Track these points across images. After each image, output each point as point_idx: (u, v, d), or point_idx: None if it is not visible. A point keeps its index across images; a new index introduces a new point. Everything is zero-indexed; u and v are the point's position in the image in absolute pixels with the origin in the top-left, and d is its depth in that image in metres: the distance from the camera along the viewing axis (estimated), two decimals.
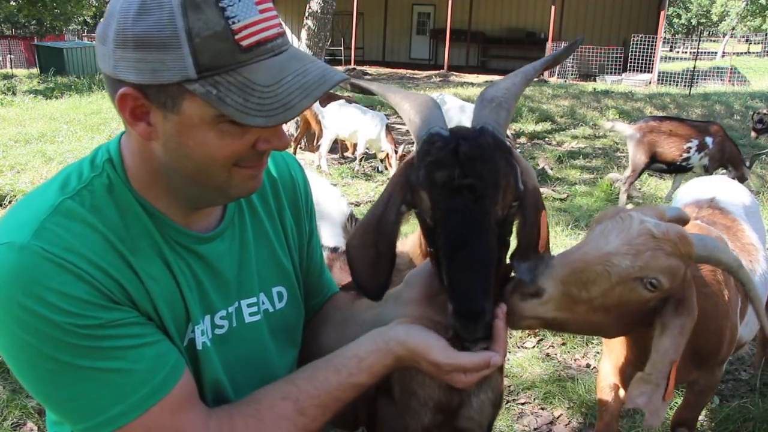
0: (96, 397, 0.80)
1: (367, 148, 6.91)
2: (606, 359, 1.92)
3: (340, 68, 18.80)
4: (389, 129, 6.58)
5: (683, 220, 1.25)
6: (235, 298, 1.01)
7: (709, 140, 5.68)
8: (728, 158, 5.73)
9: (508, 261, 1.03)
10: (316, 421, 0.92)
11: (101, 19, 0.81)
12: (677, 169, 5.79)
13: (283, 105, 0.79)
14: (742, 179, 5.69)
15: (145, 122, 0.82)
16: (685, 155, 5.64)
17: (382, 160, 6.81)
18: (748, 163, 5.87)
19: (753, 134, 7.40)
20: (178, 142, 0.83)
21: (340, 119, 6.63)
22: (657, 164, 5.81)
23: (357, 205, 5.57)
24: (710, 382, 1.89)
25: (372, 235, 1.01)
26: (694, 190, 2.51)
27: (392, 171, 6.37)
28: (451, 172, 0.89)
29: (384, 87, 1.17)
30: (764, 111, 7.38)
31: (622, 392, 1.92)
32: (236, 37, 0.77)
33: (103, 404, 0.81)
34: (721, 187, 2.45)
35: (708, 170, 5.68)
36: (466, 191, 0.89)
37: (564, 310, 1.08)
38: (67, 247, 0.80)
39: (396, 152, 6.38)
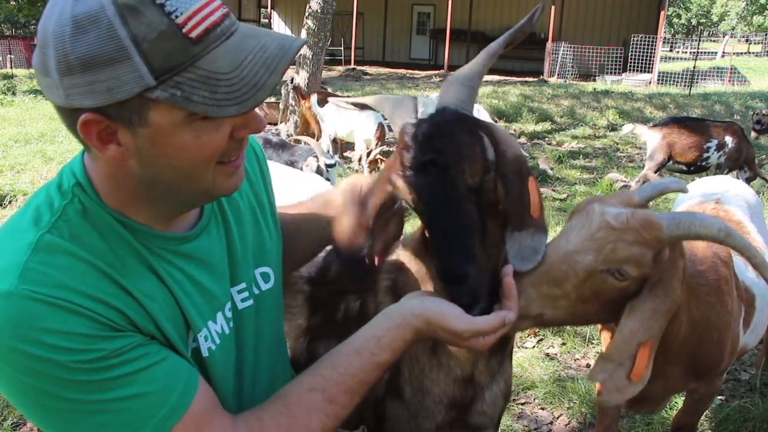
0: (114, 427, 0.78)
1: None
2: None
3: (340, 68, 18.89)
4: (383, 128, 6.52)
5: (652, 198, 1.23)
6: (230, 286, 1.00)
7: (728, 140, 5.85)
8: (745, 159, 5.84)
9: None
10: (346, 407, 0.92)
11: (35, 51, 0.75)
12: (696, 170, 5.87)
13: (252, 87, 0.75)
14: (752, 179, 5.79)
15: (115, 143, 0.77)
16: (705, 155, 5.76)
17: (358, 161, 6.72)
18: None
19: (753, 134, 7.43)
20: (154, 154, 0.78)
21: (338, 119, 6.64)
22: (677, 165, 5.90)
23: None
24: (710, 390, 1.88)
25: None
26: (699, 189, 2.48)
27: (365, 172, 6.35)
28: (415, 152, 0.95)
29: (368, 98, 1.22)
30: (764, 111, 7.42)
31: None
32: (183, 30, 0.72)
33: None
34: (727, 187, 2.44)
35: (721, 169, 5.76)
36: (430, 167, 0.94)
37: (546, 308, 1.10)
38: (55, 284, 0.75)
39: (368, 155, 6.29)
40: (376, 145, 6.27)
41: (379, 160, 6.30)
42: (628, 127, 6.74)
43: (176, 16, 0.72)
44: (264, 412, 0.90)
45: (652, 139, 5.94)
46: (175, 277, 0.88)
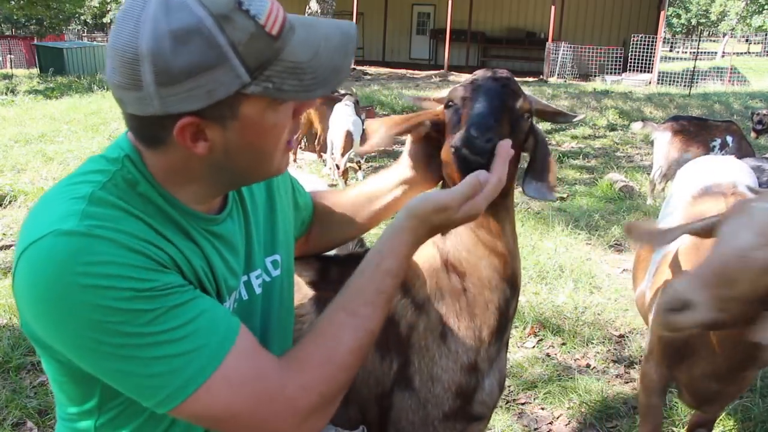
0: (168, 360, 0.81)
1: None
2: (659, 363, 1.85)
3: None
4: (350, 137, 6.28)
5: None
6: (246, 271, 1.04)
7: (729, 139, 6.02)
8: (744, 156, 5.89)
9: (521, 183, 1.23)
10: (371, 320, 0.95)
11: (112, 70, 0.80)
12: None
13: (332, 70, 0.86)
14: None
15: (203, 140, 0.84)
16: (710, 153, 5.84)
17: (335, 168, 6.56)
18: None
19: (753, 135, 7.46)
20: (241, 143, 0.86)
21: (335, 120, 6.59)
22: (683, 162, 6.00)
23: None
24: (748, 384, 1.87)
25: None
26: (703, 171, 2.36)
27: (334, 175, 6.26)
28: (487, 75, 1.18)
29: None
30: (764, 112, 7.45)
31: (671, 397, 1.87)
32: (266, 30, 0.80)
33: (177, 365, 0.81)
34: (732, 168, 2.35)
35: None
36: (497, 79, 1.16)
37: (719, 311, 1.13)
38: (112, 227, 0.81)
39: (339, 166, 6.20)
40: (342, 152, 6.18)
41: (351, 169, 6.26)
42: (637, 125, 6.79)
43: (259, 19, 0.79)
44: (301, 343, 0.94)
45: (662, 137, 6.03)
46: (210, 249, 0.94)
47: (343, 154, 6.13)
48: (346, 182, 6.26)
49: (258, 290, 1.06)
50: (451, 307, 1.23)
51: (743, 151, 5.96)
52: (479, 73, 1.20)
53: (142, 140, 0.88)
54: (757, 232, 1.14)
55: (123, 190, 0.86)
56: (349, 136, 6.22)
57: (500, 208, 1.20)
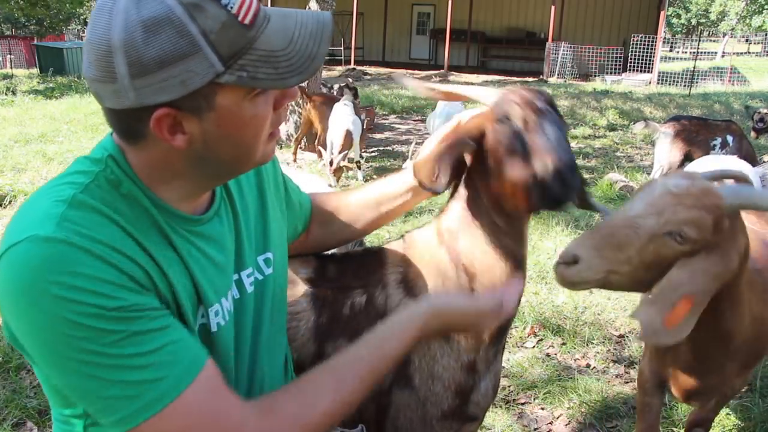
0: (126, 385, 0.80)
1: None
2: (651, 359, 1.89)
3: (340, 68, 18.90)
4: (350, 136, 6.26)
5: (714, 180, 1.35)
6: (237, 269, 1.04)
7: (730, 138, 6.06)
8: (744, 156, 5.92)
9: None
10: (355, 393, 0.95)
11: (88, 65, 0.80)
12: None
13: (307, 58, 0.85)
14: None
15: (181, 133, 0.83)
16: (711, 153, 5.87)
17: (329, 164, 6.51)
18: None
19: (753, 134, 7.47)
20: (219, 135, 0.85)
21: (334, 119, 6.59)
22: (684, 161, 6.03)
23: None
24: (743, 385, 1.88)
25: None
26: (703, 170, 2.42)
27: (328, 173, 6.24)
28: (543, 97, 1.14)
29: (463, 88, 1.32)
30: (764, 110, 7.47)
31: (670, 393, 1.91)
32: (239, 19, 0.80)
33: (133, 393, 0.80)
34: (732, 167, 2.40)
35: None
36: (554, 107, 1.14)
37: (608, 272, 1.21)
38: (89, 236, 0.80)
39: (332, 163, 6.17)
40: (340, 150, 6.15)
41: (345, 168, 6.25)
42: (639, 125, 6.81)
43: (231, 7, 0.79)
44: (279, 391, 0.94)
45: (665, 136, 6.04)
46: (192, 254, 0.93)
47: (341, 152, 6.12)
48: (338, 180, 6.23)
49: (249, 288, 1.06)
50: None
51: (744, 150, 5.99)
52: (531, 93, 1.16)
53: (122, 136, 0.87)
54: (649, 202, 1.23)
55: (106, 192, 0.86)
56: (348, 135, 6.20)
57: (527, 219, 1.24)
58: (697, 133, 6.06)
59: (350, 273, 1.32)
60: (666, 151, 6.10)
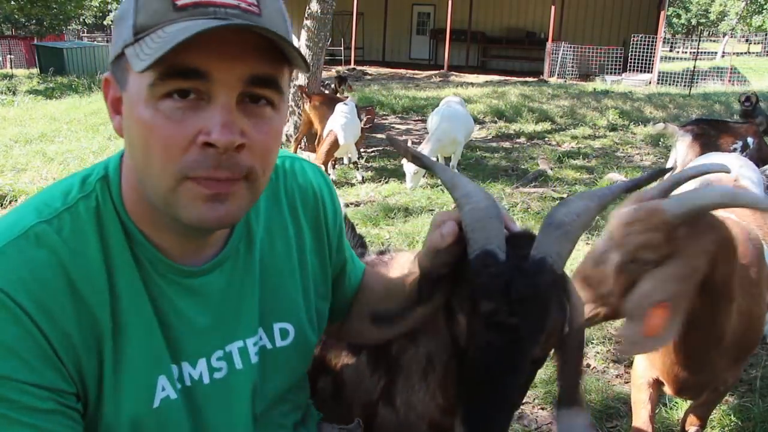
0: None
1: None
2: (643, 357, 1.91)
3: (340, 68, 18.87)
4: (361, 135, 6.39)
5: (682, 183, 1.41)
6: (237, 336, 0.91)
7: (750, 141, 5.97)
8: (764, 157, 5.90)
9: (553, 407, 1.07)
10: None
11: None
12: None
13: (167, 42, 0.68)
14: None
15: (119, 114, 0.77)
16: None
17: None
18: None
19: (744, 119, 7.58)
20: (127, 125, 0.75)
21: (331, 118, 6.59)
22: None
23: (357, 205, 5.57)
24: (735, 380, 1.90)
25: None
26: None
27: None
28: (499, 306, 0.83)
29: (449, 173, 1.01)
30: (749, 93, 7.61)
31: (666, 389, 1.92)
32: None
33: None
34: (735, 164, 2.39)
35: None
36: (508, 330, 0.83)
37: (599, 306, 1.26)
38: (17, 279, 0.72)
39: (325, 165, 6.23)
40: (327, 150, 6.22)
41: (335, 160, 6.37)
42: (659, 126, 6.80)
43: None
44: None
45: (684, 139, 5.96)
46: (163, 308, 0.83)
47: (328, 152, 6.17)
48: (326, 169, 6.29)
49: (254, 358, 0.92)
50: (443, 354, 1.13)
51: (763, 151, 5.95)
52: (490, 290, 0.86)
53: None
54: (609, 236, 1.28)
55: (83, 222, 0.78)
56: (332, 135, 6.23)
57: None
58: (717, 136, 5.92)
59: None
60: (683, 155, 5.93)
